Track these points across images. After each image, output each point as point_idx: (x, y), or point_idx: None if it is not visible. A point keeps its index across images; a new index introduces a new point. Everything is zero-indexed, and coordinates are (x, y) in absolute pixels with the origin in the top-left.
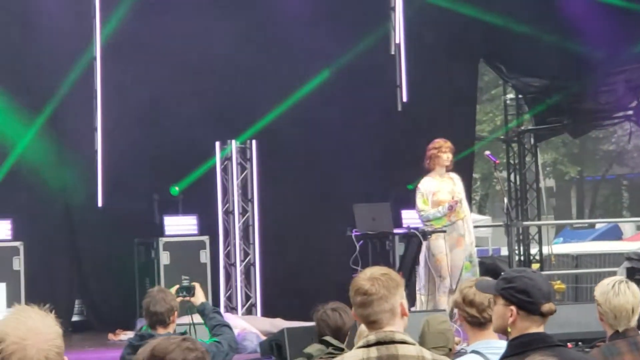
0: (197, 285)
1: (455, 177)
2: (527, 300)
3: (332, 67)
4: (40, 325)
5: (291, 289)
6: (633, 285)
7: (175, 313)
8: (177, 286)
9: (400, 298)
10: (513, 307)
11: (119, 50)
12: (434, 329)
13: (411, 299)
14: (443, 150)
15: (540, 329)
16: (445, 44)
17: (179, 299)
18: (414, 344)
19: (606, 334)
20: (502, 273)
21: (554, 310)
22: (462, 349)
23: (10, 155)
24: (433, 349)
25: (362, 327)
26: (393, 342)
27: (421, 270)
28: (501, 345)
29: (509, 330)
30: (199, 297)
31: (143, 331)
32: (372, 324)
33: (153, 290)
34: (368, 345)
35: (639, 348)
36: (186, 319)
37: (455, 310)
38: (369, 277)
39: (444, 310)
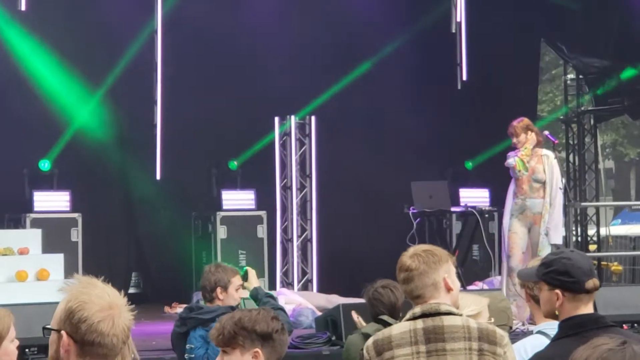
0: (250, 270)
1: (547, 153)
2: (569, 281)
3: (393, 44)
4: (117, 297)
5: (347, 265)
6: None
7: (219, 290)
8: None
9: (444, 273)
10: (558, 291)
11: (179, 24)
12: (494, 307)
13: (467, 276)
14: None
15: (590, 308)
16: (507, 23)
17: None
18: (460, 315)
19: None
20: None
21: (599, 286)
22: (517, 328)
23: (70, 128)
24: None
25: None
26: (438, 313)
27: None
28: None
29: (557, 313)
30: (252, 282)
31: (193, 304)
32: (417, 299)
33: (209, 267)
34: (414, 318)
35: None
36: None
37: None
38: (411, 254)
39: (500, 290)
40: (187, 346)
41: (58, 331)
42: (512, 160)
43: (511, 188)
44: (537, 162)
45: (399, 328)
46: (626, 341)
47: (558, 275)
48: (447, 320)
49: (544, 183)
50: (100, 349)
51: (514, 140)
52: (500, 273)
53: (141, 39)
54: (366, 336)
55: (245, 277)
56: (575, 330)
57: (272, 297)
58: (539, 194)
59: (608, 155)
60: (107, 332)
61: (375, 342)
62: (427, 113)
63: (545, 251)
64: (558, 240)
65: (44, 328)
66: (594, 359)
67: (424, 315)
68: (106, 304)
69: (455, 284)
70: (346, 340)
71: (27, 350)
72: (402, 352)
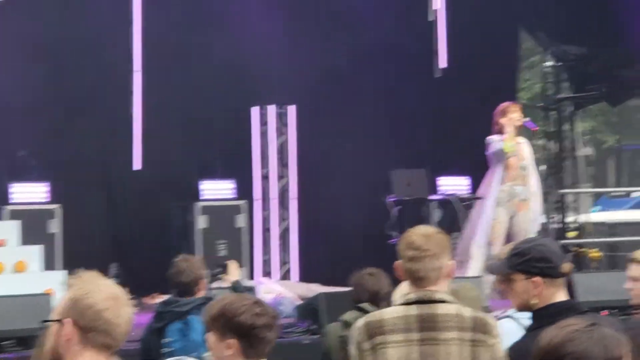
0: (231, 263)
1: (523, 141)
2: (548, 266)
3: (371, 32)
4: (119, 289)
5: (327, 254)
6: None
7: (202, 282)
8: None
9: (448, 259)
10: (537, 278)
11: (157, 14)
12: (464, 296)
13: None
14: (513, 110)
15: (563, 294)
16: (485, 10)
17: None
18: (454, 304)
19: None
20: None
21: (573, 268)
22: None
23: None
24: None
25: (404, 286)
26: (432, 301)
27: (477, 234)
28: None
29: (534, 302)
30: (233, 275)
31: (168, 298)
32: (419, 281)
33: (178, 260)
34: (408, 303)
35: None
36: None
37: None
38: (423, 233)
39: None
40: (164, 340)
41: (59, 321)
42: (498, 144)
43: (495, 175)
44: (520, 149)
45: (392, 312)
46: (595, 323)
47: (536, 262)
48: (441, 309)
49: (526, 170)
50: (103, 338)
51: (496, 127)
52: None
53: (118, 27)
54: (346, 324)
55: (226, 270)
56: (551, 319)
57: (252, 290)
58: (523, 181)
59: (587, 142)
60: (112, 321)
61: (367, 324)
62: (405, 101)
63: None
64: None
65: (43, 322)
66: (561, 339)
67: (418, 302)
68: (112, 294)
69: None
70: (326, 329)
71: (4, 342)
72: (394, 338)
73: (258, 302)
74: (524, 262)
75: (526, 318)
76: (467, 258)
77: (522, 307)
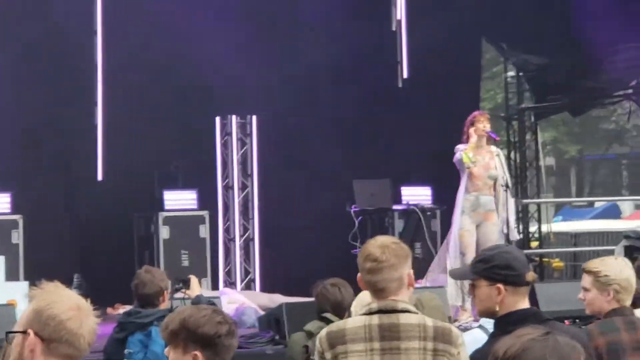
0: (192, 278)
1: (496, 151)
2: (512, 274)
3: (334, 42)
4: (83, 301)
5: (290, 264)
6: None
7: (165, 293)
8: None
9: (408, 268)
10: (500, 285)
11: (119, 24)
12: (427, 305)
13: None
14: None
15: (527, 302)
16: (448, 20)
17: (176, 293)
18: (416, 313)
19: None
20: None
21: (536, 278)
22: (460, 325)
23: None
24: None
25: (363, 296)
26: (395, 310)
27: (449, 246)
28: None
29: (497, 309)
30: (195, 290)
31: (131, 309)
32: (380, 292)
33: (141, 271)
34: (370, 313)
35: (635, 327)
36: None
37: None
38: (380, 244)
39: (442, 287)
40: (126, 351)
41: (24, 332)
42: (459, 154)
43: (461, 184)
44: (490, 158)
45: (354, 322)
46: (549, 332)
47: (500, 269)
48: (403, 318)
49: (496, 180)
50: (66, 348)
51: (464, 136)
52: (444, 271)
53: (81, 38)
54: (309, 334)
55: (187, 285)
56: (514, 326)
57: (214, 304)
58: (490, 191)
59: (549, 152)
60: (75, 331)
61: (329, 335)
62: (369, 111)
63: None
64: (515, 236)
65: (7, 333)
66: (517, 349)
67: (380, 312)
68: (74, 304)
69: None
70: (289, 339)
71: None
72: (355, 348)
73: (217, 311)
74: (487, 268)
75: None
76: (444, 269)
77: (485, 314)
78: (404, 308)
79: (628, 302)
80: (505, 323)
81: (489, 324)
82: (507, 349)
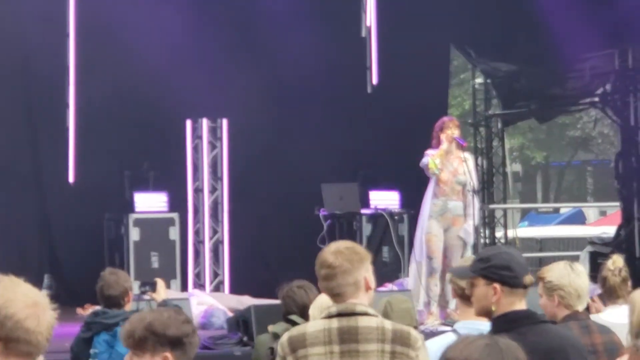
0: (159, 281)
1: (467, 156)
2: (510, 275)
3: (302, 47)
4: (40, 295)
5: (259, 267)
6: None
7: (130, 294)
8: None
9: (365, 272)
10: (497, 285)
11: (92, 28)
12: (397, 308)
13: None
14: (448, 126)
15: (524, 304)
16: (417, 27)
17: (143, 295)
18: (375, 316)
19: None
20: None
21: (533, 282)
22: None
23: None
24: None
25: (320, 299)
26: (354, 314)
27: (414, 249)
28: (486, 327)
29: (493, 309)
30: (161, 294)
31: (98, 309)
32: (336, 297)
33: (105, 273)
34: (330, 317)
35: (589, 331)
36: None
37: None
38: (333, 250)
39: (409, 291)
40: (91, 351)
41: None
42: (426, 159)
43: (430, 188)
44: (459, 163)
45: (314, 326)
46: (494, 337)
47: (498, 269)
48: (361, 321)
49: (464, 185)
50: (25, 347)
51: (434, 141)
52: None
53: (52, 38)
54: (275, 336)
55: (153, 289)
56: (509, 326)
57: (179, 308)
58: (458, 197)
59: (515, 158)
60: (32, 329)
61: (290, 339)
62: (338, 116)
63: (469, 252)
64: (470, 240)
65: None
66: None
67: (339, 315)
68: (31, 302)
69: (373, 283)
70: (255, 340)
71: None
72: (315, 351)
73: (177, 311)
74: (486, 267)
75: (474, 329)
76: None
77: (482, 313)
78: (363, 311)
79: (580, 307)
80: (500, 323)
81: (462, 328)
82: (450, 349)
